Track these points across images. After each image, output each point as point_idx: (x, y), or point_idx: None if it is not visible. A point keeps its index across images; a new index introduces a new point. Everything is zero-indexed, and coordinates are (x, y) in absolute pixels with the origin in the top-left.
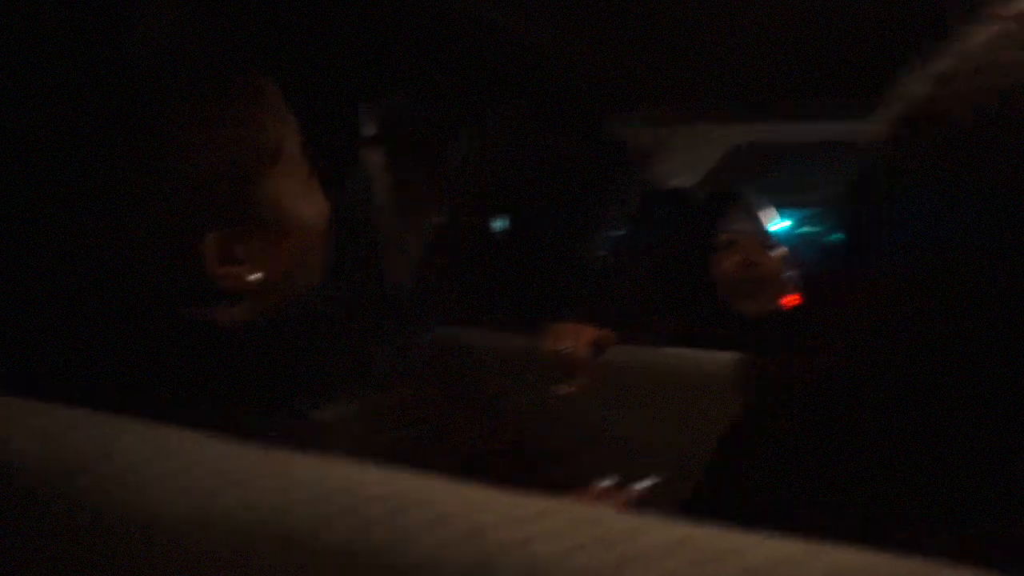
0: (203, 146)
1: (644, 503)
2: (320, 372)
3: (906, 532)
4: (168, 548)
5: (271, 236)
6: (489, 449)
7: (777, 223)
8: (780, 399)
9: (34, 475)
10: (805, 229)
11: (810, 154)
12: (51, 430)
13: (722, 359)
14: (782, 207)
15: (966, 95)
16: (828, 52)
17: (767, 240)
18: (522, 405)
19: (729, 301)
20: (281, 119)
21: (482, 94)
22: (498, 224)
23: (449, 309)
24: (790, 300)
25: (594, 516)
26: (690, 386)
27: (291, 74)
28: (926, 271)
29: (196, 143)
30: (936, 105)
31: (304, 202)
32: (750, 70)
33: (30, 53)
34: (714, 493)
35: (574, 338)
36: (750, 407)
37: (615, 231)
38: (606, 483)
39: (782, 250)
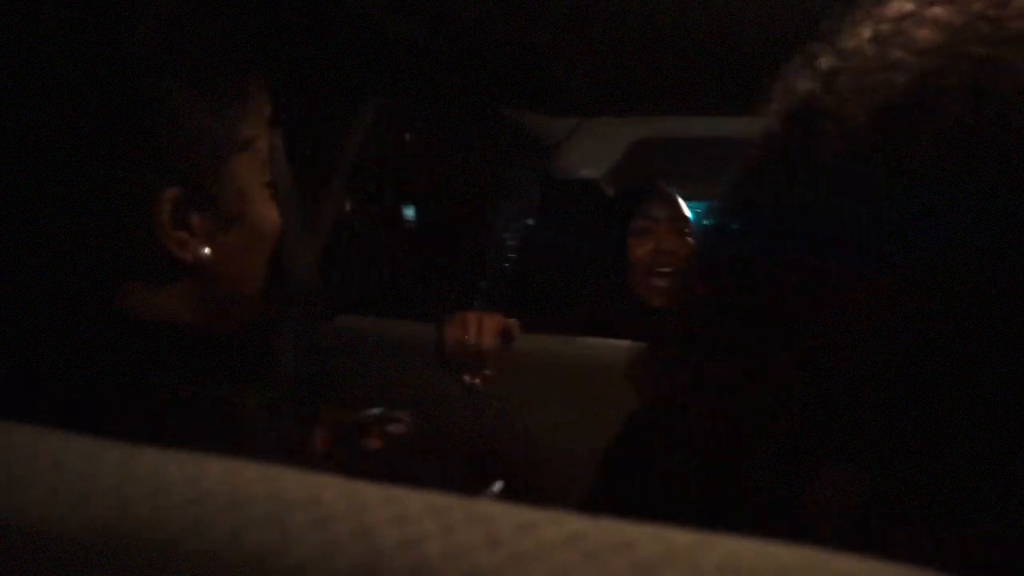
0: (182, 108)
1: (399, 440)
2: (226, 366)
3: (904, 534)
4: (35, 554)
5: (225, 217)
6: (394, 442)
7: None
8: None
9: None
10: (705, 221)
11: (711, 148)
12: None
13: (634, 348)
14: (686, 200)
15: (854, 93)
16: (725, 46)
17: (683, 227)
18: (425, 395)
19: (640, 289)
20: (261, 118)
21: (372, 82)
22: (406, 213)
23: (352, 299)
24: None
25: (485, 513)
26: (600, 375)
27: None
28: (825, 261)
29: (176, 105)
30: (824, 102)
31: (260, 204)
32: (651, 64)
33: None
34: (610, 486)
35: (479, 328)
36: (651, 399)
37: (524, 221)
38: (372, 411)
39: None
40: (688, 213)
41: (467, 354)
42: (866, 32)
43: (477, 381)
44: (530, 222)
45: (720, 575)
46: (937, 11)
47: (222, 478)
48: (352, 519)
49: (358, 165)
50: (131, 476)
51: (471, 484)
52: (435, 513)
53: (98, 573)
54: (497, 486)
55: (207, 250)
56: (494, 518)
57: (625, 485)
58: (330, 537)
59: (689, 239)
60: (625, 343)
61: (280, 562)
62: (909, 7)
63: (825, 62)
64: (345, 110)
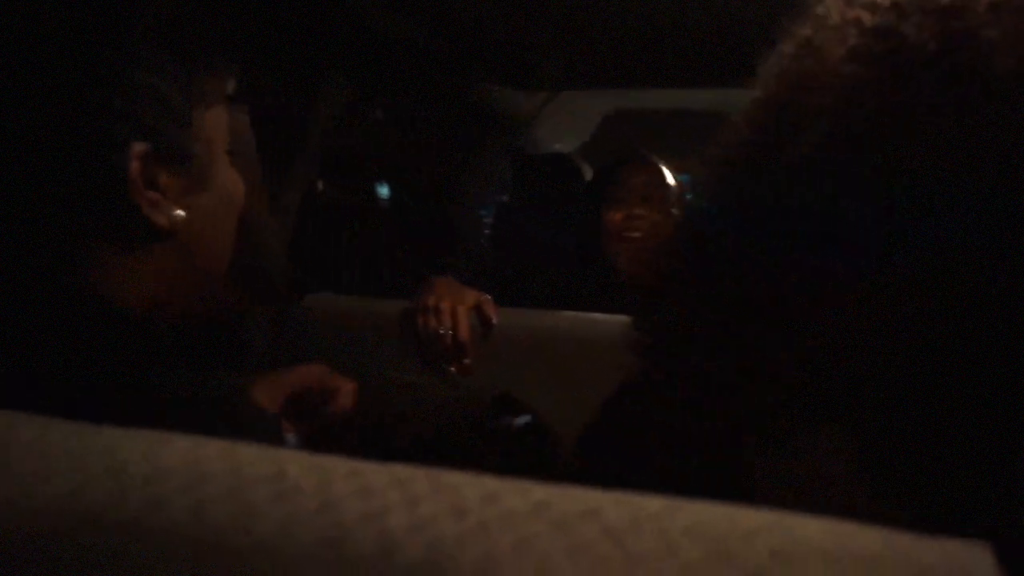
0: (150, 60)
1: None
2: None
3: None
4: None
5: (196, 178)
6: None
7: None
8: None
9: None
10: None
11: (687, 121)
12: None
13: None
14: None
15: (825, 53)
16: (699, 16)
17: (661, 195)
18: (400, 375)
19: (611, 255)
20: (224, 80)
21: (339, 56)
22: (379, 192)
23: (324, 278)
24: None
25: (450, 483)
26: (582, 348)
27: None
28: (810, 235)
29: (145, 56)
30: (801, 66)
31: (227, 167)
32: (623, 36)
33: None
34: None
35: (453, 317)
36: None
37: (499, 198)
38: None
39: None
40: (671, 181)
41: (443, 347)
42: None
43: (453, 370)
44: (504, 198)
45: (688, 538)
46: None
47: (182, 455)
48: (316, 493)
49: (328, 143)
50: (87, 455)
51: (500, 419)
52: (399, 485)
53: (54, 554)
54: (523, 419)
55: (180, 212)
56: (459, 488)
57: (609, 455)
58: (293, 511)
59: (673, 209)
60: (605, 316)
61: (242, 537)
62: None
63: (802, 29)
64: (312, 85)
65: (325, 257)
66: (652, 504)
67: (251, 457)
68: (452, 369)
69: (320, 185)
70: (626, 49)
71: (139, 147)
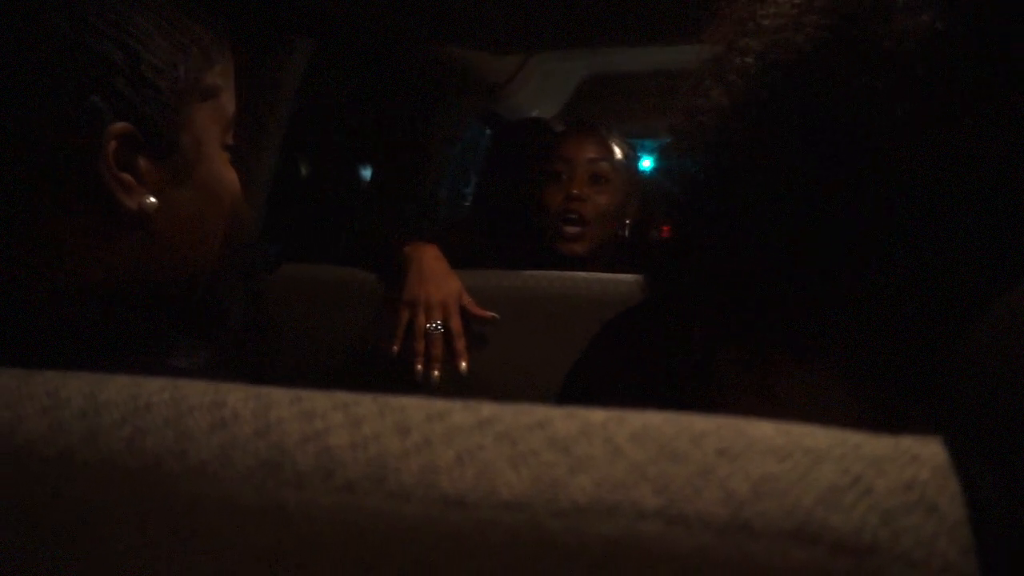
0: (145, 37)
1: None
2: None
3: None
4: None
5: (178, 170)
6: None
7: (638, 158)
8: None
9: None
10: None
11: (672, 82)
12: None
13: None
14: (641, 137)
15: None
16: None
17: (607, 172)
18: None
19: (550, 237)
20: (227, 72)
21: (303, 22)
22: (356, 165)
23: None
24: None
25: (395, 404)
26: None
27: None
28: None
29: (139, 32)
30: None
31: (219, 164)
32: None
33: None
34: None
35: (443, 296)
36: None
37: (477, 164)
38: None
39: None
40: (619, 155)
41: (435, 346)
42: None
43: (436, 373)
44: (482, 166)
45: (634, 443)
46: None
47: (121, 391)
48: (255, 419)
49: (301, 114)
50: (25, 394)
51: None
52: (343, 408)
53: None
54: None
55: (153, 199)
56: (404, 409)
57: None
58: (232, 436)
59: (622, 189)
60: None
61: (179, 463)
62: None
63: None
64: (277, 53)
65: (305, 233)
66: (599, 415)
67: (189, 389)
68: (435, 373)
69: (303, 169)
70: (601, 6)
71: (119, 126)
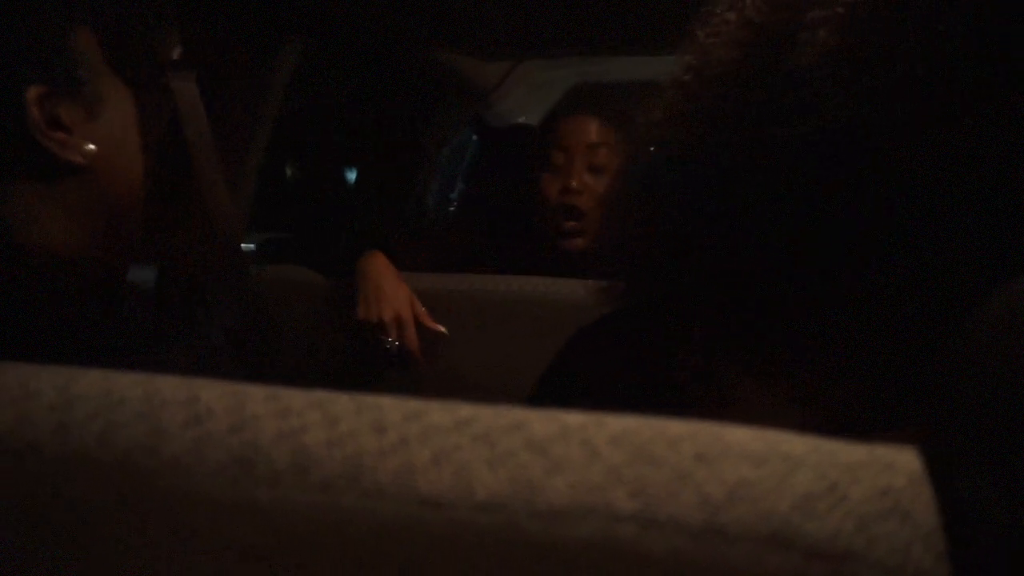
0: None
1: None
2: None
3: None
4: None
5: (89, 101)
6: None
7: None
8: None
9: None
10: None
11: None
12: None
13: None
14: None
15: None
16: None
17: (606, 160)
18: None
19: (549, 233)
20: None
21: (294, 22)
22: (345, 168)
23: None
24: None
25: (372, 403)
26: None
27: None
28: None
29: None
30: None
31: (115, 81)
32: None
33: None
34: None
35: (394, 311)
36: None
37: (464, 169)
38: None
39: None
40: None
41: (392, 357)
42: None
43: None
44: (468, 171)
45: (612, 446)
46: None
47: (93, 384)
48: (230, 415)
49: (289, 118)
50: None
51: None
52: (319, 406)
53: None
54: None
55: (91, 146)
56: (381, 408)
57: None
58: (205, 432)
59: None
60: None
61: (151, 458)
62: None
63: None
64: (265, 53)
65: (291, 234)
66: (578, 418)
67: (163, 384)
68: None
69: (288, 170)
70: (590, 15)
71: (34, 91)
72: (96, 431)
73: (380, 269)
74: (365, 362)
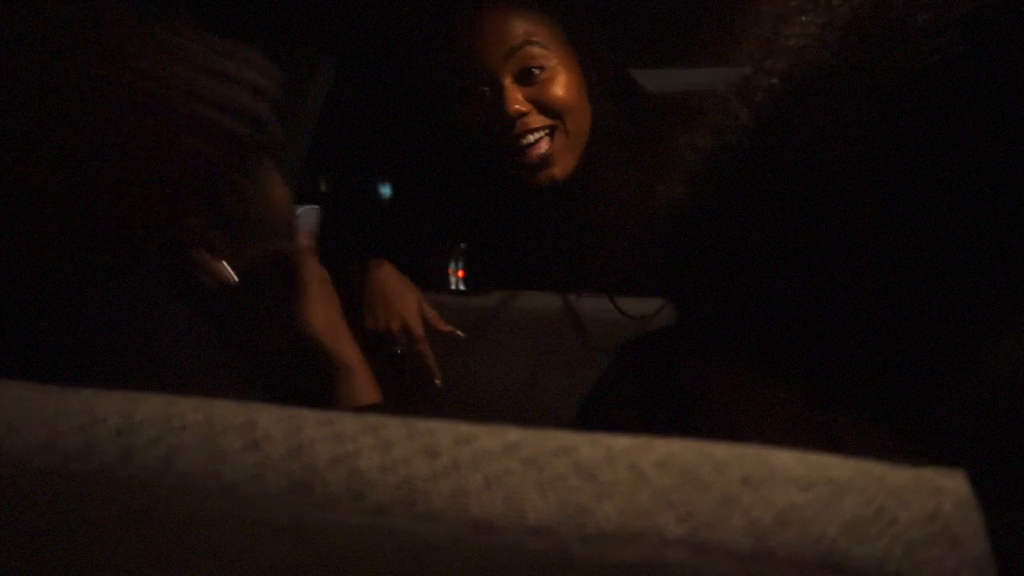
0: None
1: None
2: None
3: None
4: None
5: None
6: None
7: None
8: None
9: None
10: None
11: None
12: None
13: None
14: None
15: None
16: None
17: (540, 58)
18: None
19: (513, 174)
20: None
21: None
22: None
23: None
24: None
25: (423, 428)
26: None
27: None
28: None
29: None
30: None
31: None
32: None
33: None
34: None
35: (401, 318)
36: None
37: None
38: None
39: None
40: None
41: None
42: None
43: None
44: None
45: (659, 470)
46: None
47: (154, 410)
48: (287, 440)
49: (325, 135)
50: (61, 413)
51: None
52: (372, 430)
53: (26, 505)
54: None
55: (236, 278)
56: (433, 433)
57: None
58: (264, 457)
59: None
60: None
61: (212, 482)
62: None
63: None
64: (301, 69)
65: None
66: (624, 442)
67: (223, 410)
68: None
69: (323, 185)
70: (623, 27)
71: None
72: (159, 456)
73: (383, 276)
74: (379, 372)
